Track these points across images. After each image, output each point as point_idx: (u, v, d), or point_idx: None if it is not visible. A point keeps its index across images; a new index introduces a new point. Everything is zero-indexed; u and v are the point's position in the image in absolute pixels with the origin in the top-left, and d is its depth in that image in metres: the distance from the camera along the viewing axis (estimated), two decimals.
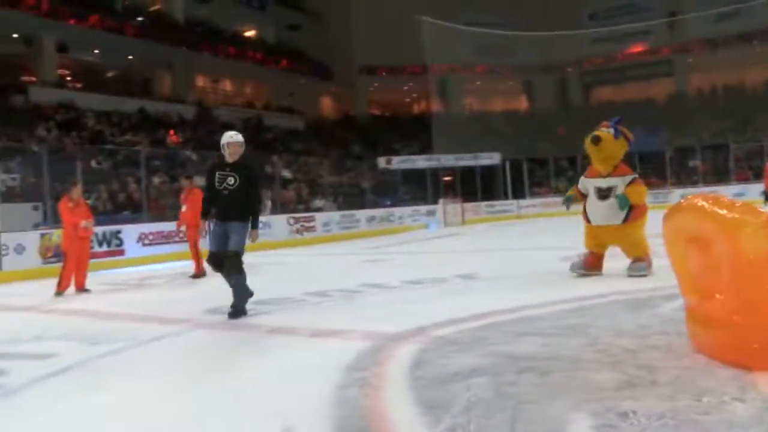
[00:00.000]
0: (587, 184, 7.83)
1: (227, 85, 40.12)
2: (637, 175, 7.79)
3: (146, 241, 16.00)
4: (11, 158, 18.22)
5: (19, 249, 13.05)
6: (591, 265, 7.67)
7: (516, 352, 4.08)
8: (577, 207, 8.06)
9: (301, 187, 26.97)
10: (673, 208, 3.91)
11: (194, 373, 4.39)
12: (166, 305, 8.02)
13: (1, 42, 28.12)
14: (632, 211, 7.44)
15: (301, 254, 15.92)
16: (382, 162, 32.11)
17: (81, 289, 9.76)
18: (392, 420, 3.06)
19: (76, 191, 10.02)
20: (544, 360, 3.85)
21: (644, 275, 7.26)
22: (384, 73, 43.21)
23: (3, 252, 13.08)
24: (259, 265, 13.15)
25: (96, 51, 31.35)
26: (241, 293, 6.37)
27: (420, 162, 32.34)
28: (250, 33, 39.41)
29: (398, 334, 4.95)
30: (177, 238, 16.35)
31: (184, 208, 11.36)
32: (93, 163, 21.07)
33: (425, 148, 35.36)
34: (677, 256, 3.90)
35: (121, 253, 15.11)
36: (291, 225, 20.57)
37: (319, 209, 24.01)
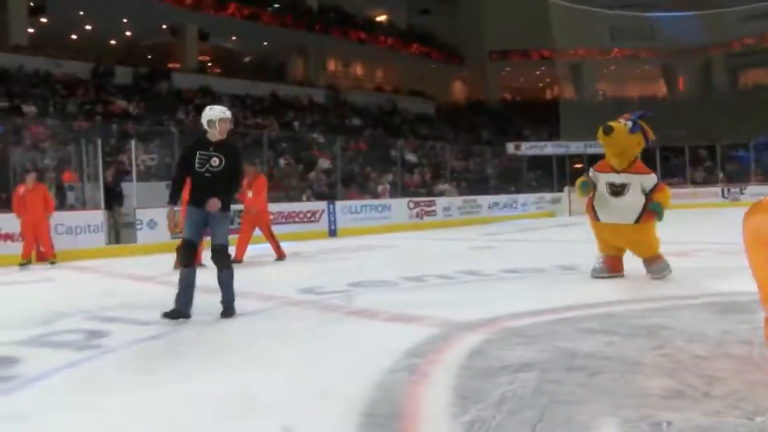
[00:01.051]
0: (598, 178, 7.23)
1: (358, 69, 40.93)
2: (656, 177, 7.18)
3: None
4: (151, 140, 19.64)
5: (152, 224, 14.11)
6: (613, 268, 7.15)
7: (577, 349, 3.95)
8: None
9: (425, 171, 27.12)
10: (753, 207, 3.57)
11: (263, 347, 4.60)
12: (268, 282, 8.39)
13: (151, 32, 30.35)
14: (645, 212, 6.90)
15: (415, 238, 16.07)
16: (510, 148, 31.58)
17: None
18: (421, 407, 3.08)
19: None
20: (601, 359, 3.70)
21: (668, 273, 6.83)
22: (515, 58, 42.31)
23: (137, 226, 14.22)
24: (372, 247, 13.48)
25: (234, 38, 33.00)
26: (230, 288, 5.72)
27: (548, 148, 31.50)
28: (381, 18, 39.90)
29: (470, 323, 4.93)
30: (298, 218, 17.08)
31: (249, 194, 11.49)
32: None
33: (553, 135, 34.38)
34: (757, 260, 3.59)
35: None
36: (411, 209, 20.78)
37: (441, 194, 24.07)
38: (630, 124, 7.00)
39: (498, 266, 8.65)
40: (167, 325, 5.48)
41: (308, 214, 17.72)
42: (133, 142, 15.45)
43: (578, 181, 7.38)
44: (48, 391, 3.71)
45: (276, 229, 16.67)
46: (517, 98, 45.41)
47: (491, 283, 7.32)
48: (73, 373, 4.05)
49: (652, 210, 6.87)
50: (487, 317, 5.10)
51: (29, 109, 20.55)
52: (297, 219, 17.43)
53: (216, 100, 27.60)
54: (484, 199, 23.60)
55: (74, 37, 30.37)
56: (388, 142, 27.06)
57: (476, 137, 36.04)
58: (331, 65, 38.43)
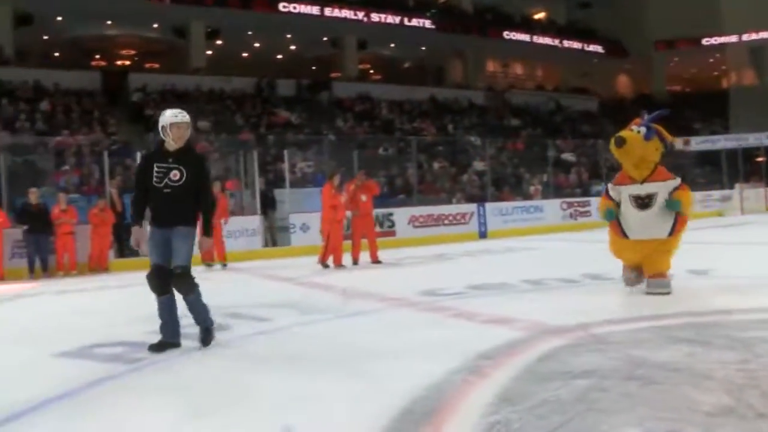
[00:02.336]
0: (620, 192, 6.58)
1: (518, 69, 40.44)
2: (679, 180, 6.51)
3: (416, 223, 17.17)
4: (309, 148, 20.85)
5: (305, 228, 15.06)
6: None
7: (649, 359, 3.87)
8: None
9: (582, 171, 26.30)
10: None
11: (355, 347, 4.92)
12: (392, 283, 8.74)
13: (313, 45, 32.10)
14: (677, 222, 6.34)
15: (564, 240, 15.75)
16: (678, 144, 29.68)
17: (356, 262, 11.58)
18: (459, 407, 3.22)
19: (337, 179, 11.42)
20: (667, 370, 3.60)
21: (665, 293, 6.25)
22: (683, 46, 39.58)
23: (291, 230, 15.26)
24: (515, 249, 13.45)
25: (392, 45, 33.97)
26: (201, 311, 5.03)
27: (722, 142, 29.25)
28: (539, 15, 39.12)
29: (560, 328, 4.93)
30: (447, 221, 17.38)
31: (363, 198, 11.76)
32: (380, 150, 23.09)
33: (722, 127, 31.87)
34: None
35: (393, 234, 16.45)
36: (564, 210, 20.35)
37: (598, 194, 23.24)
38: (643, 130, 6.41)
39: None
40: (285, 318, 6.00)
41: (458, 216, 17.96)
42: (285, 152, 16.52)
43: (602, 208, 6.72)
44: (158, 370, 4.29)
45: (425, 232, 17.30)
46: (686, 89, 42.47)
47: (609, 286, 7.14)
48: (173, 358, 4.63)
49: (670, 208, 6.31)
50: (580, 322, 5.06)
51: (203, 124, 22.58)
52: (446, 221, 17.75)
53: (374, 106, 28.66)
54: None
55: (245, 55, 32.85)
56: (545, 141, 26.57)
57: None
58: (490, 66, 38.30)
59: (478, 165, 23.84)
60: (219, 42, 30.69)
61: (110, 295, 9.49)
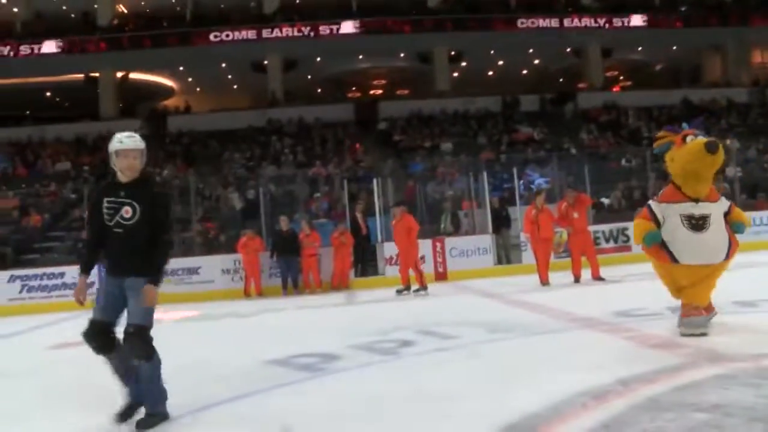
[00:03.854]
0: (668, 211, 5.68)
1: None
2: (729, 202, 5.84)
3: None
4: (548, 164, 20.71)
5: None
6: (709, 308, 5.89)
7: None
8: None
9: None
10: None
11: (506, 363, 5.14)
12: (596, 303, 8.59)
13: (557, 57, 31.82)
14: (731, 245, 5.61)
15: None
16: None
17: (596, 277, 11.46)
18: (557, 428, 3.37)
19: (540, 200, 11.70)
20: None
21: (700, 334, 5.46)
22: None
23: (522, 248, 15.41)
24: (756, 264, 12.13)
25: (639, 48, 32.28)
26: (155, 390, 4.05)
27: None
28: None
29: (726, 356, 4.65)
30: None
31: (575, 215, 11.59)
32: (623, 162, 22.16)
33: None
34: None
35: (628, 249, 15.77)
36: None
37: None
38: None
39: None
40: (469, 336, 6.38)
41: None
42: (515, 170, 16.75)
43: (640, 230, 5.79)
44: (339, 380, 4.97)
45: None
46: None
47: None
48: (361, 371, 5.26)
49: (737, 231, 5.68)
50: (753, 353, 4.71)
51: (446, 146, 23.68)
52: None
53: (621, 114, 27.53)
54: None
55: (490, 74, 33.60)
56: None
57: None
58: (757, 56, 34.46)
59: (730, 170, 21.69)
60: (463, 64, 31.85)
61: (339, 312, 10.62)
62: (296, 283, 14.06)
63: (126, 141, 4.06)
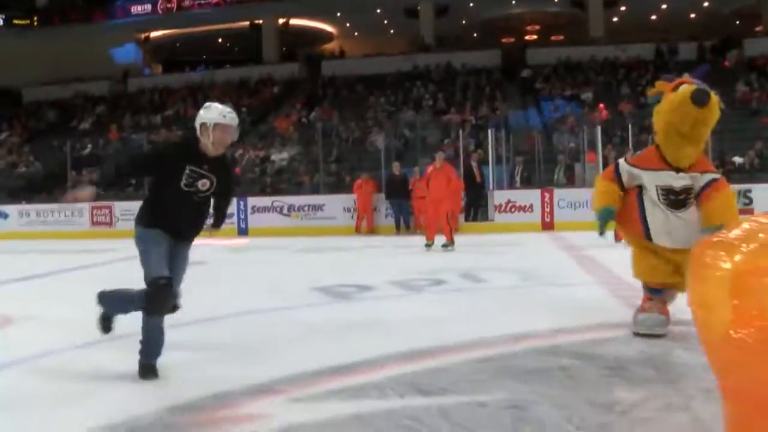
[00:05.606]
0: (641, 178, 4.61)
1: None
2: (720, 174, 4.61)
3: None
4: None
5: None
6: (666, 311, 4.69)
7: None
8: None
9: None
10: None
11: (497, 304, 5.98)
12: None
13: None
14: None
15: None
16: None
17: None
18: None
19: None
20: None
21: (658, 332, 4.53)
22: None
23: None
24: None
25: None
26: (158, 340, 3.94)
27: None
28: None
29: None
30: None
31: None
32: None
33: None
34: None
35: (750, 212, 15.10)
36: None
37: None
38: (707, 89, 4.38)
39: None
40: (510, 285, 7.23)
41: None
42: (630, 124, 16.49)
43: (601, 202, 4.72)
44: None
45: None
46: None
47: None
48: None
49: (705, 231, 4.10)
50: None
51: (585, 95, 23.34)
52: None
53: None
54: None
55: (653, 18, 31.84)
56: None
57: None
58: None
59: None
60: (622, 8, 30.53)
61: (411, 252, 11.39)
62: (408, 224, 15.29)
63: (228, 116, 4.01)
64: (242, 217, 16.62)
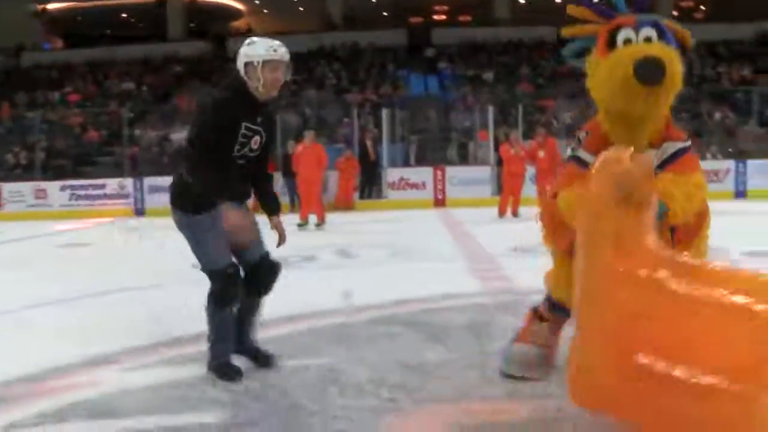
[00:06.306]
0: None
1: None
2: (689, 143, 3.12)
3: None
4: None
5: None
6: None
7: None
8: None
9: None
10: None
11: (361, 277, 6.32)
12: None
13: None
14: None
15: None
16: None
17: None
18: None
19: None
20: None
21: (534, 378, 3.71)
22: None
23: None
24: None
25: None
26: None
27: None
28: None
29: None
30: None
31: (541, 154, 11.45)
32: None
33: None
34: None
35: None
36: None
37: None
38: (656, 31, 2.91)
39: None
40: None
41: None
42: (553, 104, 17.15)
43: (567, 198, 2.97)
44: None
45: None
46: None
47: None
48: None
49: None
50: None
51: (486, 75, 24.05)
52: None
53: None
54: None
55: (558, 1, 32.82)
56: None
57: None
58: None
59: None
60: None
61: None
62: (292, 202, 14.25)
63: (280, 50, 3.32)
64: (139, 197, 16.42)
